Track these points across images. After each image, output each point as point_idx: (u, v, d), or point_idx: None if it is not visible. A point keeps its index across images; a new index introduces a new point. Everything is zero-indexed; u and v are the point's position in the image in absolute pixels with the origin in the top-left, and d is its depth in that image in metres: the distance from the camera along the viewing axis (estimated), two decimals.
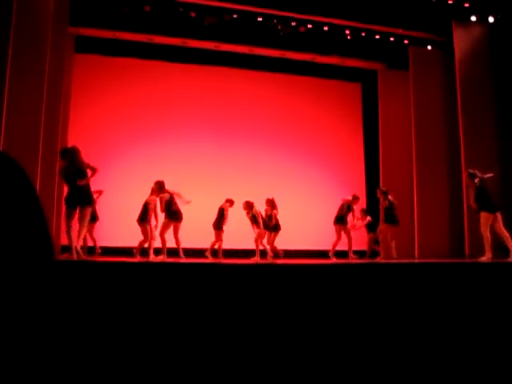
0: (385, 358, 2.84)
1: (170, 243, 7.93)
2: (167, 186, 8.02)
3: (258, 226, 8.57)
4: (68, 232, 6.46)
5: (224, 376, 2.49)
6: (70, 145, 9.57)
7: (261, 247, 8.62)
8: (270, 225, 8.88)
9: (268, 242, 9.00)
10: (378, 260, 8.40)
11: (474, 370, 2.73)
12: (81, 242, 6.88)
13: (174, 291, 3.51)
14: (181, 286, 3.58)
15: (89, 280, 3.18)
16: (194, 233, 8.90)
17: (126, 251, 8.22)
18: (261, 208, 8.88)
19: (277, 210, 9.01)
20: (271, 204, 8.98)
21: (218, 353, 2.72)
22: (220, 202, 8.79)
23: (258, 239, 8.59)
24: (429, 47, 11.03)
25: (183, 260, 7.03)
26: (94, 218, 8.31)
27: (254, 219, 8.58)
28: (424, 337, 3.25)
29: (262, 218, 8.71)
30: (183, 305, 3.35)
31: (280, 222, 9.20)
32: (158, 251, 7.89)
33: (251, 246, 8.60)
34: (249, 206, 8.57)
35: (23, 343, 0.54)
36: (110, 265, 4.12)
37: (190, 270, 4.11)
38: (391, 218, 8.76)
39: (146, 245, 7.97)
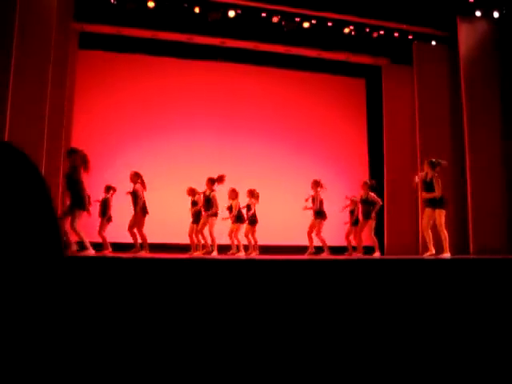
0: (394, 351, 2.85)
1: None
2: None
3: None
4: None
5: (234, 368, 2.50)
6: (73, 142, 9.63)
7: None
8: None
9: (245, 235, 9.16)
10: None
11: (476, 369, 2.73)
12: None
13: (179, 287, 3.52)
14: (185, 282, 3.59)
15: (100, 276, 3.19)
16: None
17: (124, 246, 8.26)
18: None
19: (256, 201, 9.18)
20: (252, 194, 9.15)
21: (226, 345, 2.73)
22: (224, 197, 8.88)
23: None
24: (433, 42, 10.96)
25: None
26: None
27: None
28: (422, 332, 3.25)
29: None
30: (187, 301, 3.36)
31: (280, 217, 9.30)
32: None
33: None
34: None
35: (32, 340, 0.54)
36: (121, 261, 4.13)
37: (191, 266, 4.11)
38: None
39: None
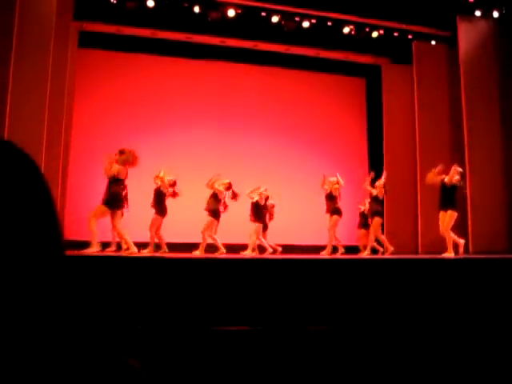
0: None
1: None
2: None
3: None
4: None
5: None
6: (73, 140, 9.64)
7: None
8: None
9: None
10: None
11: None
12: None
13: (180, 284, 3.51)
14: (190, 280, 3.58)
15: (101, 274, 3.18)
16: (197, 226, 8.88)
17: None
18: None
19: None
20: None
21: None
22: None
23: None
24: (433, 42, 10.96)
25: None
26: None
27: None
28: (422, 329, 3.24)
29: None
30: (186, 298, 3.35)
31: (281, 216, 9.25)
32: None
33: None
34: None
35: (32, 341, 0.54)
36: (125, 260, 4.13)
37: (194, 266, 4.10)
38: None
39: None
